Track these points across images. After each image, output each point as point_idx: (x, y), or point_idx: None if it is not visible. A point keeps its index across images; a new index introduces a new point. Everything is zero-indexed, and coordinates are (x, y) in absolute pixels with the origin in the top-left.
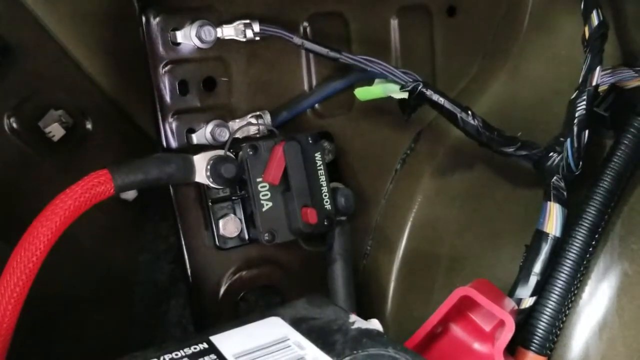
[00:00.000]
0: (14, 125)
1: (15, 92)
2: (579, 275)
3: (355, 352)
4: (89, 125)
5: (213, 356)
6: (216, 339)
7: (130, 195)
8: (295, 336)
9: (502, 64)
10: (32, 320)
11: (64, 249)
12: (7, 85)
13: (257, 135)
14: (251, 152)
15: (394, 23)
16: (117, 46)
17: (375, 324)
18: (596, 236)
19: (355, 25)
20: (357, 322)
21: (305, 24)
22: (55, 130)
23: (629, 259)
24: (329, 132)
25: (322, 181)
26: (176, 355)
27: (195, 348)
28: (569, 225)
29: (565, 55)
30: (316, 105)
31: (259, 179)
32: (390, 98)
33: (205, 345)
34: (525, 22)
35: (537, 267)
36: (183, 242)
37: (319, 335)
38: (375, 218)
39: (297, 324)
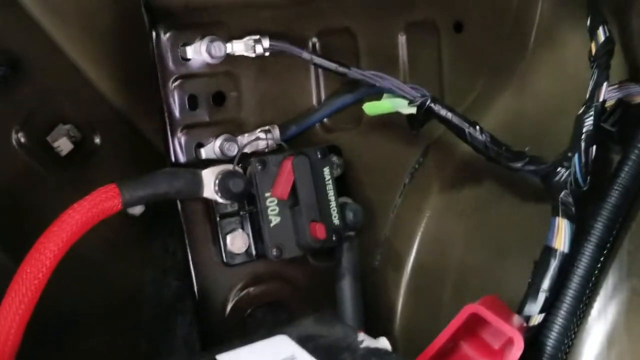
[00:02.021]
0: (22, 139)
1: (24, 106)
2: (587, 291)
3: None
4: (97, 140)
5: None
6: (222, 358)
7: (137, 210)
8: (303, 355)
9: (509, 79)
10: (37, 337)
11: (69, 265)
12: (16, 99)
13: (266, 150)
14: (260, 167)
15: (402, 39)
16: (126, 61)
17: (383, 343)
18: (604, 252)
19: (363, 40)
20: (366, 341)
21: (314, 39)
22: (64, 145)
23: (638, 275)
24: (337, 146)
25: (330, 196)
26: None
27: None
28: (577, 241)
29: (572, 71)
30: (325, 120)
31: (267, 194)
32: (398, 113)
33: None
34: (532, 38)
35: (546, 284)
36: (190, 258)
37: (326, 354)
38: (384, 233)
39: (304, 342)
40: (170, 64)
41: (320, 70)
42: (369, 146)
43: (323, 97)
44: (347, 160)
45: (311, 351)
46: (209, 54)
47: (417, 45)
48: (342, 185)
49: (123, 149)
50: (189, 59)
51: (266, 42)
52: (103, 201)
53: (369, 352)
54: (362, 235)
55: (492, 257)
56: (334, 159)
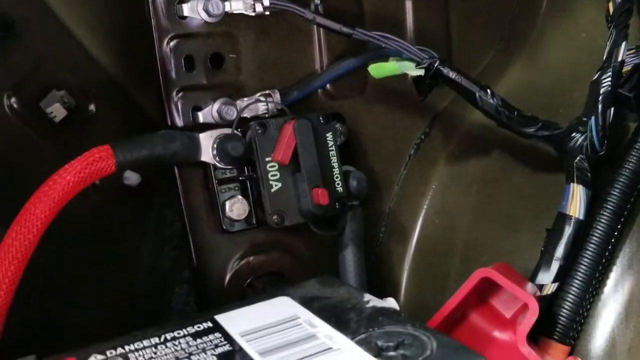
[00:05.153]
0: (15, 105)
1: (17, 70)
2: (603, 260)
3: (371, 329)
4: (92, 107)
5: (218, 334)
6: (221, 318)
7: (134, 180)
8: (306, 314)
9: (520, 47)
10: (26, 303)
11: (65, 235)
12: (8, 63)
13: (266, 115)
14: (260, 131)
15: (409, 3)
16: (121, 27)
17: (391, 303)
18: (622, 220)
19: (369, 5)
20: (372, 301)
21: (317, 1)
22: (57, 111)
23: None
24: (340, 114)
25: (333, 162)
26: (178, 334)
27: (198, 327)
28: (593, 209)
29: (585, 39)
30: (328, 86)
31: (267, 159)
32: (404, 80)
33: (209, 324)
34: (544, 4)
35: (560, 252)
36: (187, 225)
37: (331, 314)
38: (388, 204)
39: (307, 303)
40: (166, 22)
41: (323, 33)
42: (373, 115)
43: (326, 61)
44: (351, 129)
45: (315, 312)
46: (206, 11)
47: (424, 11)
48: (346, 155)
49: (119, 116)
50: (185, 17)
51: (266, 1)
52: (96, 161)
53: (377, 312)
54: (366, 207)
55: (502, 230)
56: (337, 125)
